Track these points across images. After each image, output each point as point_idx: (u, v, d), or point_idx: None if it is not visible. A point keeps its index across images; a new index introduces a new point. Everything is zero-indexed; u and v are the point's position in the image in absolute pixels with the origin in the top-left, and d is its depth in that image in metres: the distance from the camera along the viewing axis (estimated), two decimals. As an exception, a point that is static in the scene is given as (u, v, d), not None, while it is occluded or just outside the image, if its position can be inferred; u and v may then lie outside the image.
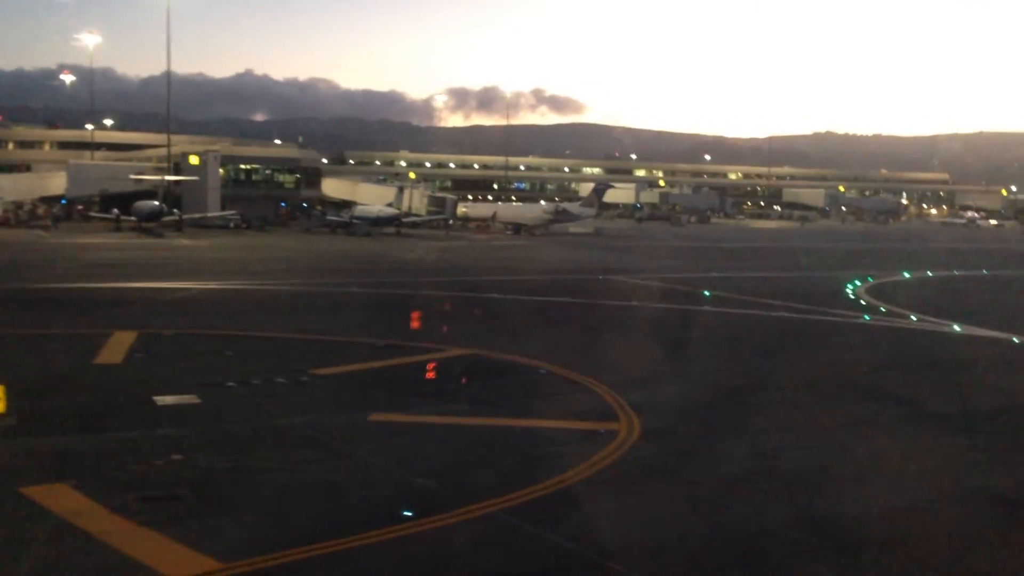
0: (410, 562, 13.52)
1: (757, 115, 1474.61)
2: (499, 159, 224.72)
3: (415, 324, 37.55)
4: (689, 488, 17.44)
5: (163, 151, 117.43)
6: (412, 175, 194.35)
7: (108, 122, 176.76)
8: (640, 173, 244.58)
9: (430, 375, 27.69)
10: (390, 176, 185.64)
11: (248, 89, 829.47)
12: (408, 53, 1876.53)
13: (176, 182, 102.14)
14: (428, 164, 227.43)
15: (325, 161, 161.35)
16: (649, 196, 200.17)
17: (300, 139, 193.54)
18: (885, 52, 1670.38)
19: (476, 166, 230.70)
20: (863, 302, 47.58)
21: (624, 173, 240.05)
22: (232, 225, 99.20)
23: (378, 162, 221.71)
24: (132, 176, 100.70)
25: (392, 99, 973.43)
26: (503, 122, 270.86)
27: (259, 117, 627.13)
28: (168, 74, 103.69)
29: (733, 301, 47.18)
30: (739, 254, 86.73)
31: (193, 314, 38.36)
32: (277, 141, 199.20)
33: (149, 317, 36.66)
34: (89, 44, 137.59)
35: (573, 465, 17.91)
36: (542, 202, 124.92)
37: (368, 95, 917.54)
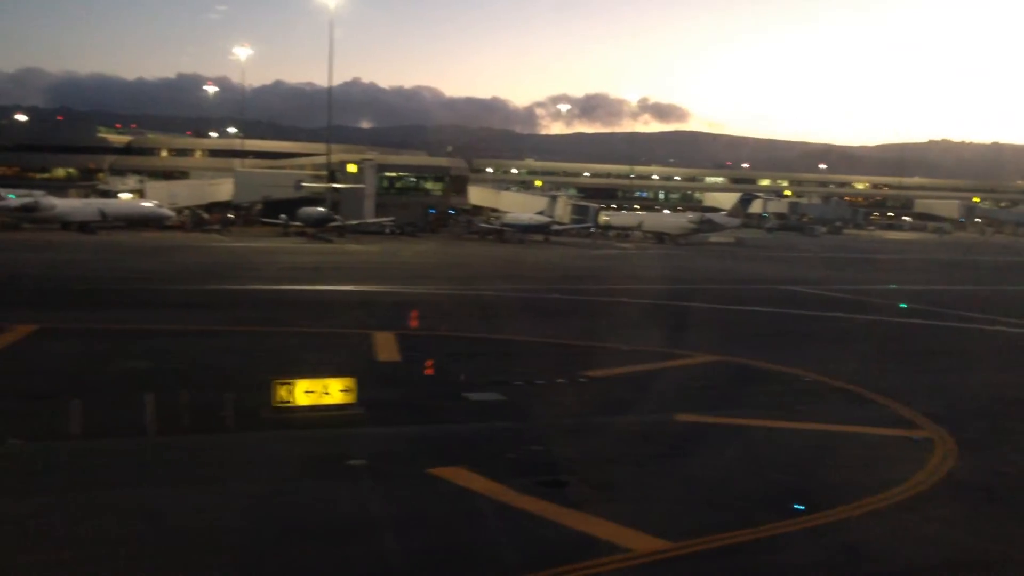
0: (827, 550, 14.71)
1: (866, 122, 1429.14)
2: (621, 167, 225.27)
3: (642, 330, 38.59)
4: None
5: (316, 159, 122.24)
6: (538, 183, 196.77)
7: (232, 130, 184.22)
8: (764, 183, 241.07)
9: (697, 379, 28.70)
10: (518, 184, 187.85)
11: (355, 97, 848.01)
12: (511, 61, 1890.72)
13: (334, 189, 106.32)
14: (542, 171, 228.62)
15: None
16: (776, 206, 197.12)
17: (449, 148, 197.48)
18: (1000, 57, 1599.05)
19: (587, 174, 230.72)
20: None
21: (747, 183, 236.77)
22: (387, 231, 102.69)
23: (515, 170, 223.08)
24: (303, 184, 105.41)
25: (494, 107, 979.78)
26: (605, 130, 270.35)
27: (365, 125, 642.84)
28: (329, 88, 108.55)
29: (936, 314, 47.01)
30: (901, 266, 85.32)
31: (423, 316, 40.44)
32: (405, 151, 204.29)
33: (387, 319, 38.81)
34: (241, 56, 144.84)
35: (919, 468, 18.83)
36: (688, 213, 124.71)
37: (471, 103, 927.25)
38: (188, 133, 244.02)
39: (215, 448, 19.53)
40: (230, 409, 21.32)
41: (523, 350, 32.54)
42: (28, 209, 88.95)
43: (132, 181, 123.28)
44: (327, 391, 22.51)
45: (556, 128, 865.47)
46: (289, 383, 22.13)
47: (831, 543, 14.98)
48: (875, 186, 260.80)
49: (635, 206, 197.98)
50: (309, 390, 22.33)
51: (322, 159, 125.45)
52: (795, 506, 16.36)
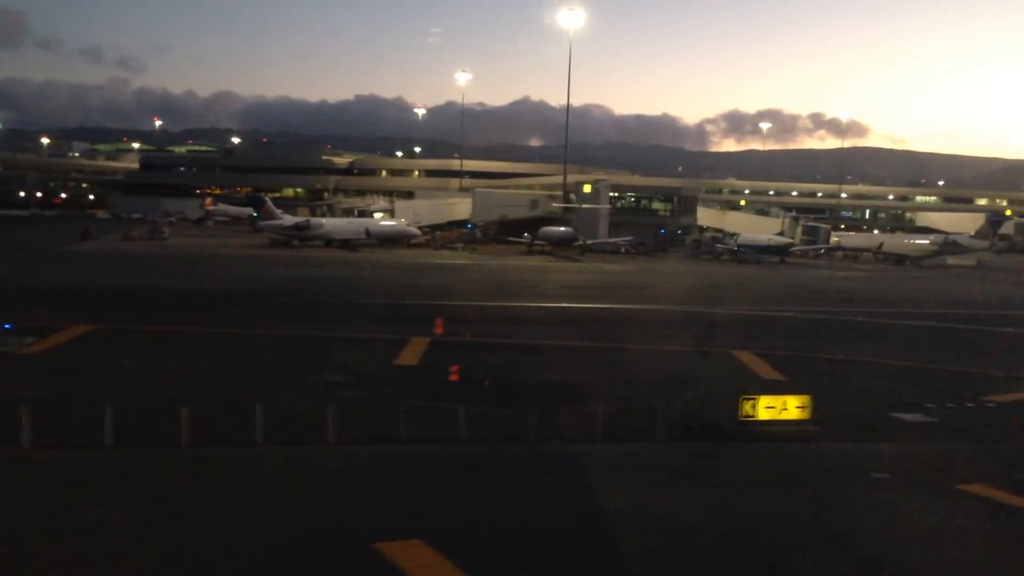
0: None
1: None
2: (829, 186, 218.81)
3: (990, 355, 38.15)
4: None
5: (544, 179, 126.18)
6: (743, 203, 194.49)
7: (417, 149, 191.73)
8: (981, 202, 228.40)
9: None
10: (723, 204, 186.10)
11: (525, 116, 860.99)
12: (681, 78, 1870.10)
13: (567, 209, 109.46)
14: (745, 191, 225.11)
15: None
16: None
17: (679, 168, 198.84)
18: None
19: (794, 193, 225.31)
20: None
21: (963, 202, 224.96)
22: (623, 250, 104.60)
23: (731, 191, 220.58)
24: (555, 204, 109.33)
25: (664, 124, 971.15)
26: (779, 147, 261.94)
27: (534, 143, 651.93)
28: (567, 108, 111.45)
29: None
30: None
31: (769, 337, 41.47)
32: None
33: (728, 338, 40.07)
34: (460, 81, 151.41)
35: None
36: (929, 235, 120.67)
37: (640, 120, 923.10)
38: (379, 152, 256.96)
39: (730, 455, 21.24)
40: (708, 420, 23.16)
41: (899, 373, 33.05)
42: (300, 228, 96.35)
43: (383, 201, 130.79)
44: (785, 407, 23.94)
45: (727, 145, 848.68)
46: (753, 398, 23.68)
47: None
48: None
49: (840, 225, 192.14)
50: (770, 405, 23.81)
51: (551, 179, 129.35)
52: None
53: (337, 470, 19.33)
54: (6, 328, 36.80)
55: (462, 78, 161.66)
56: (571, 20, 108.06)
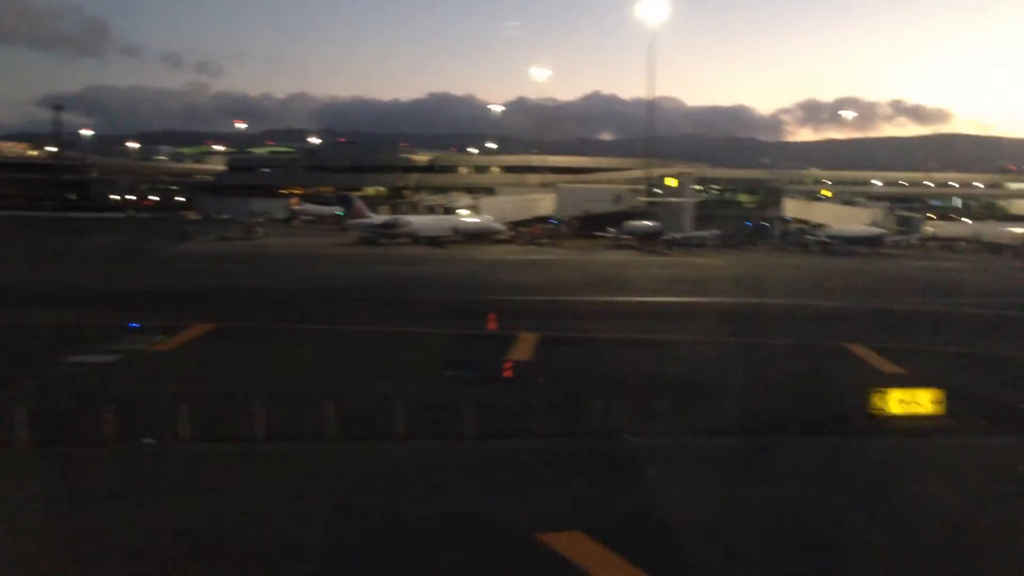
0: None
1: None
2: (914, 175, 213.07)
3: None
4: None
5: (626, 174, 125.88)
6: (826, 192, 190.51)
7: (490, 145, 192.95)
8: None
9: None
10: (805, 194, 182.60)
11: (596, 110, 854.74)
12: (754, 67, 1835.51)
13: (651, 203, 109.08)
14: (828, 181, 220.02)
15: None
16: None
17: (766, 160, 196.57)
18: None
19: (877, 182, 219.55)
20: None
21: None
22: (708, 243, 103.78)
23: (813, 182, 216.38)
24: (641, 198, 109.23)
25: (737, 114, 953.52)
26: (857, 135, 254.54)
27: (605, 136, 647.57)
28: (650, 102, 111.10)
29: None
30: None
31: (872, 329, 40.86)
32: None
33: (849, 332, 39.63)
34: (536, 77, 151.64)
35: None
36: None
37: (713, 112, 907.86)
38: (453, 149, 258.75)
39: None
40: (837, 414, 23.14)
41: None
42: (388, 226, 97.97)
43: (467, 198, 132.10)
44: (917, 401, 23.70)
45: (803, 135, 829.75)
46: (884, 392, 23.50)
47: None
48: None
49: (929, 215, 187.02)
50: (903, 399, 23.61)
51: (631, 173, 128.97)
52: None
53: (481, 463, 19.86)
54: (133, 327, 38.50)
55: (538, 74, 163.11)
56: (654, 13, 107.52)
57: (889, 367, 31.56)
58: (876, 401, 23.42)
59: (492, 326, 40.62)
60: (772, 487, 17.98)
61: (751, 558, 14.68)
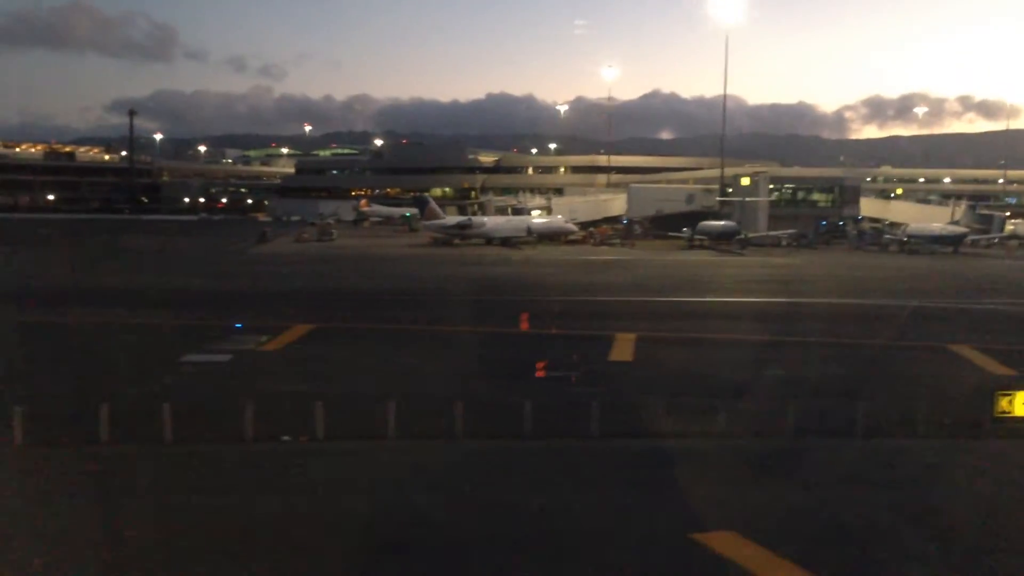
0: None
1: None
2: (989, 172, 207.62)
3: None
4: None
5: (699, 173, 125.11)
6: (899, 191, 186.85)
7: (552, 145, 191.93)
8: None
9: None
10: (876, 193, 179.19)
11: (656, 109, 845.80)
12: (816, 64, 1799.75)
13: (724, 203, 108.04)
14: (899, 179, 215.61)
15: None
16: None
17: (841, 158, 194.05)
18: None
19: (947, 180, 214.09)
20: None
21: None
22: (784, 243, 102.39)
23: (869, 178, 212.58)
24: (716, 198, 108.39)
25: (800, 112, 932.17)
26: (924, 132, 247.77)
27: (665, 135, 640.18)
28: (724, 99, 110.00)
29: None
30: None
31: (972, 329, 40.15)
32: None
33: (948, 332, 39.05)
34: (605, 76, 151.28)
35: None
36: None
37: (775, 109, 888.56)
38: (514, 150, 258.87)
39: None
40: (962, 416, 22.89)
41: None
42: (462, 227, 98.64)
43: (540, 199, 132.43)
44: (1044, 403, 23.33)
45: (868, 132, 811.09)
46: (1010, 394, 23.18)
47: None
48: None
49: (1007, 212, 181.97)
50: (1030, 401, 23.28)
51: (705, 173, 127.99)
52: None
53: (614, 461, 20.16)
54: (237, 327, 39.56)
55: (606, 72, 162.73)
56: (727, 12, 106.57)
57: (997, 368, 31.07)
58: (1002, 403, 23.14)
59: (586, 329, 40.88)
60: (925, 490, 18.04)
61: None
